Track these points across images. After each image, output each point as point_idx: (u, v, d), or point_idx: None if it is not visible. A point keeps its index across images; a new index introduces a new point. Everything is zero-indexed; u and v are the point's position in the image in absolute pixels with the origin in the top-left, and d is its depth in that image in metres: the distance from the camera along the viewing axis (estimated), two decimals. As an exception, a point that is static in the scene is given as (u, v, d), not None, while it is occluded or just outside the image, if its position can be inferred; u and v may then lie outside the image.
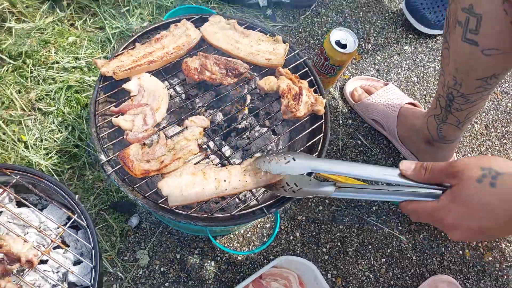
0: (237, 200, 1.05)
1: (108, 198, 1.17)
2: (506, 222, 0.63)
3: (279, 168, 0.77)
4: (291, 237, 1.20)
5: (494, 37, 0.88)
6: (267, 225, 1.21)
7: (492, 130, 1.50)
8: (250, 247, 1.17)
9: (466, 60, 0.96)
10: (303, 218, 1.23)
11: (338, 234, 1.22)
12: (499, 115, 1.53)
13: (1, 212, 0.88)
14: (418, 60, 1.59)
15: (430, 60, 1.59)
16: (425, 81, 1.55)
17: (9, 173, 0.84)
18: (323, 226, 1.23)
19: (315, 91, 1.05)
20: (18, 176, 0.83)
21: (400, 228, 1.26)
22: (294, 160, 0.78)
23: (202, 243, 1.16)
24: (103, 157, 0.90)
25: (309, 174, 0.89)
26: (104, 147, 0.91)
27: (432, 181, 0.70)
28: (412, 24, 1.58)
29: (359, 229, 1.24)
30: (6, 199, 0.87)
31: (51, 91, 1.27)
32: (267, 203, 0.91)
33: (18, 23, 1.37)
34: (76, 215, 0.82)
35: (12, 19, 1.36)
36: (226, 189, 0.84)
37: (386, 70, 1.55)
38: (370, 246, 1.22)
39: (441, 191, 0.70)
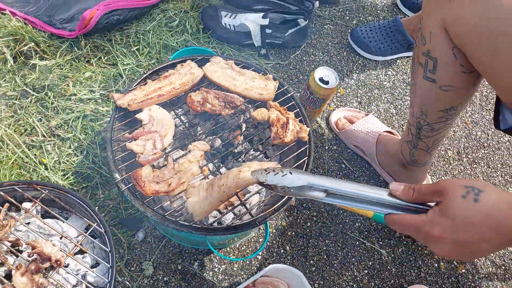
0: (232, 215, 1.20)
1: (117, 215, 1.31)
2: (488, 237, 0.67)
3: (276, 180, 0.80)
4: (282, 251, 1.34)
5: (448, 76, 1.04)
6: (260, 240, 1.34)
7: (464, 156, 1.66)
8: (245, 259, 1.30)
9: (428, 95, 1.13)
10: (293, 233, 1.37)
11: (325, 248, 1.36)
12: (470, 143, 1.70)
13: (29, 222, 1.02)
14: (396, 94, 1.78)
15: (407, 94, 1.78)
16: (402, 113, 1.73)
17: (39, 188, 0.99)
18: (311, 240, 1.36)
19: (300, 121, 1.22)
20: (47, 191, 0.98)
21: (381, 243, 1.40)
22: (291, 173, 0.80)
23: (202, 256, 1.29)
24: (117, 176, 1.05)
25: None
26: (118, 167, 1.07)
27: (419, 201, 0.75)
28: (358, 51, 1.85)
29: (343, 243, 1.37)
30: (34, 211, 1.01)
31: (69, 119, 1.43)
32: (258, 216, 1.06)
33: (41, 60, 1.55)
34: (96, 223, 0.96)
35: (36, 57, 1.55)
36: (224, 192, 0.92)
37: (367, 103, 1.73)
38: (353, 259, 1.35)
39: (425, 208, 0.74)
